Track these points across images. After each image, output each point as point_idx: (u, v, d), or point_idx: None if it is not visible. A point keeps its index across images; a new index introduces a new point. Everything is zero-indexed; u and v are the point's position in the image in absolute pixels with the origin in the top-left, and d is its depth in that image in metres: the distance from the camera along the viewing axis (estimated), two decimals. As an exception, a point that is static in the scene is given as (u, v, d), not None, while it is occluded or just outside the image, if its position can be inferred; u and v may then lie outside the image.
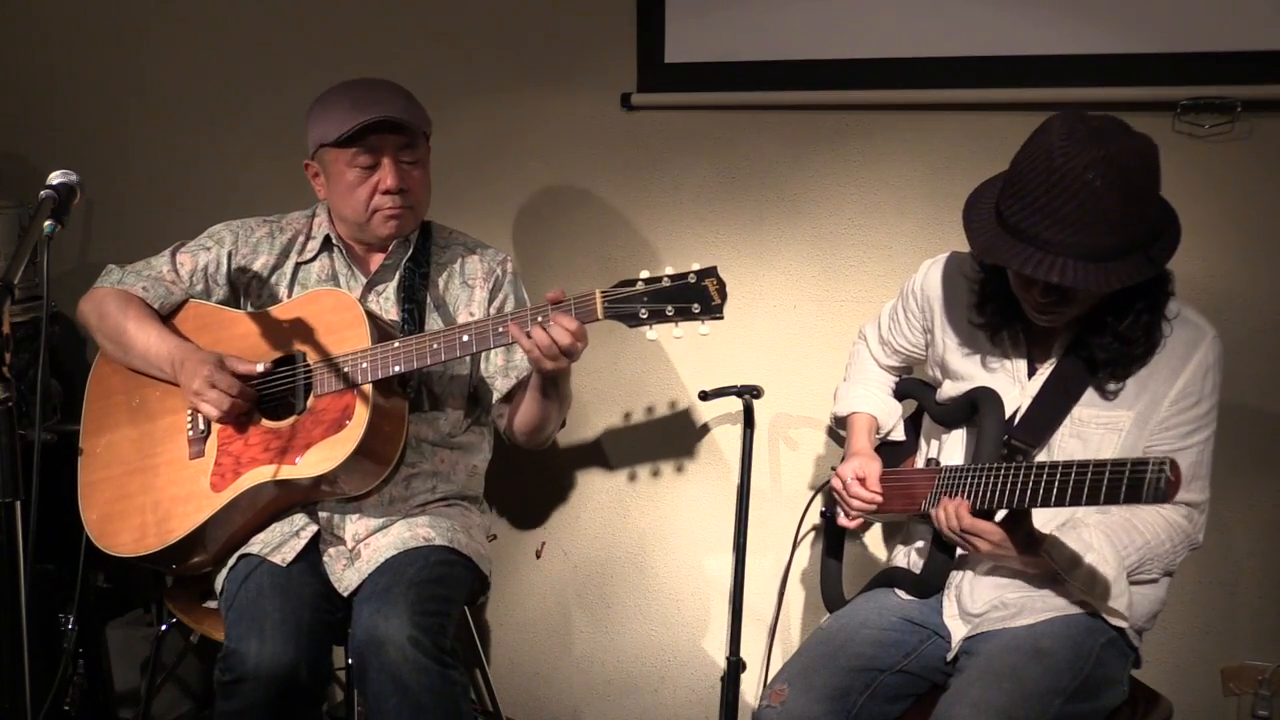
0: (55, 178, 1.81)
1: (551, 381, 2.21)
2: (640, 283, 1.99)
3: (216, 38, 3.04)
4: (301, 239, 2.39)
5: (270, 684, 2.01)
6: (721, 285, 1.97)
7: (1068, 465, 1.75)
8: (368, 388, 2.13)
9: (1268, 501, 2.36)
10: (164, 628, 2.49)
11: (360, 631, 2.06)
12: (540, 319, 2.04)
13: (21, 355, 2.79)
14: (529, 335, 2.04)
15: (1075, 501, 1.74)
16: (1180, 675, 2.42)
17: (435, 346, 2.11)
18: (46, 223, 1.73)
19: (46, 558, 2.70)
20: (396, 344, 2.13)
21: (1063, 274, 1.74)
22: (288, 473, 2.14)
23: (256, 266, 2.35)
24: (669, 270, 1.99)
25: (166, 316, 2.33)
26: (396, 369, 2.12)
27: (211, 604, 2.32)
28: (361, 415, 2.12)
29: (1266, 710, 2.35)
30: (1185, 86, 2.25)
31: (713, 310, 1.97)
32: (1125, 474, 1.66)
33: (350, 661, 2.12)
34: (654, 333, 2.00)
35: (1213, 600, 2.41)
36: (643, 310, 1.98)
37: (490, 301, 2.38)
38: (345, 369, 2.14)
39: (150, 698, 2.57)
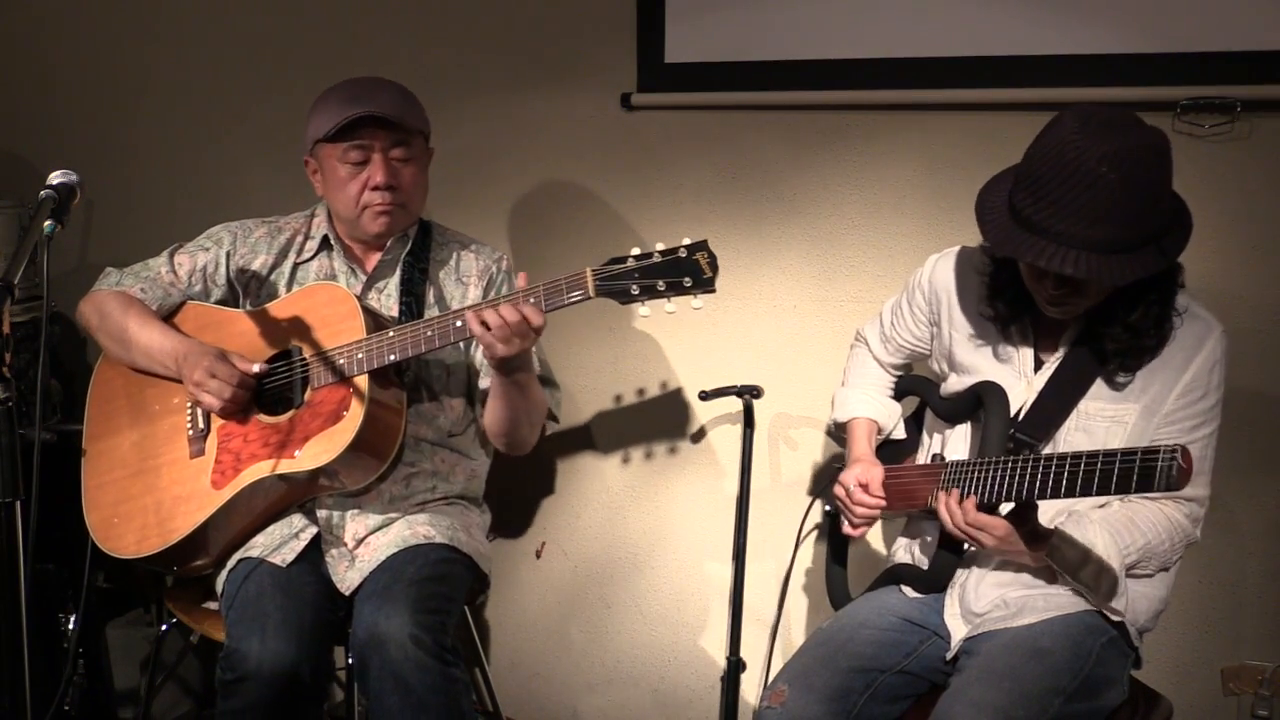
0: (55, 178, 1.81)
1: (511, 380, 2.18)
2: (631, 259, 1.98)
3: (217, 38, 3.04)
4: (300, 239, 2.40)
5: (272, 683, 2.02)
6: (713, 258, 1.95)
7: (1076, 456, 1.75)
8: (364, 379, 2.14)
9: (1269, 501, 2.36)
10: (164, 628, 2.50)
11: (361, 630, 2.06)
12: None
13: (21, 355, 2.79)
14: (483, 322, 2.03)
15: (1085, 492, 1.73)
16: (1180, 675, 2.42)
17: (430, 334, 2.11)
18: (46, 223, 1.73)
19: (47, 558, 2.70)
20: (391, 333, 2.13)
21: (1076, 266, 1.75)
22: (287, 466, 2.15)
23: (255, 266, 2.36)
24: (660, 246, 1.98)
25: (166, 317, 2.34)
26: (391, 358, 2.13)
27: (211, 605, 2.33)
28: (358, 405, 2.12)
29: (1266, 710, 2.35)
30: (1185, 86, 2.25)
31: (705, 284, 1.95)
32: (1136, 463, 1.66)
33: (350, 660, 2.12)
34: (646, 309, 1.98)
35: (1214, 600, 2.41)
36: (634, 286, 1.97)
37: (484, 299, 2.36)
38: (341, 361, 2.15)
39: (150, 698, 2.58)
